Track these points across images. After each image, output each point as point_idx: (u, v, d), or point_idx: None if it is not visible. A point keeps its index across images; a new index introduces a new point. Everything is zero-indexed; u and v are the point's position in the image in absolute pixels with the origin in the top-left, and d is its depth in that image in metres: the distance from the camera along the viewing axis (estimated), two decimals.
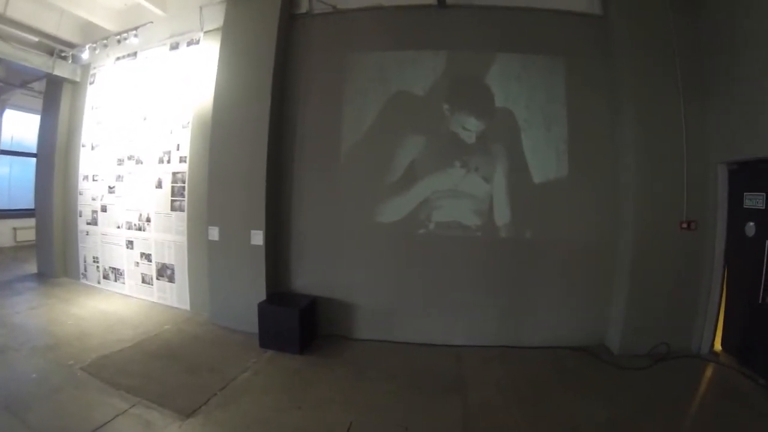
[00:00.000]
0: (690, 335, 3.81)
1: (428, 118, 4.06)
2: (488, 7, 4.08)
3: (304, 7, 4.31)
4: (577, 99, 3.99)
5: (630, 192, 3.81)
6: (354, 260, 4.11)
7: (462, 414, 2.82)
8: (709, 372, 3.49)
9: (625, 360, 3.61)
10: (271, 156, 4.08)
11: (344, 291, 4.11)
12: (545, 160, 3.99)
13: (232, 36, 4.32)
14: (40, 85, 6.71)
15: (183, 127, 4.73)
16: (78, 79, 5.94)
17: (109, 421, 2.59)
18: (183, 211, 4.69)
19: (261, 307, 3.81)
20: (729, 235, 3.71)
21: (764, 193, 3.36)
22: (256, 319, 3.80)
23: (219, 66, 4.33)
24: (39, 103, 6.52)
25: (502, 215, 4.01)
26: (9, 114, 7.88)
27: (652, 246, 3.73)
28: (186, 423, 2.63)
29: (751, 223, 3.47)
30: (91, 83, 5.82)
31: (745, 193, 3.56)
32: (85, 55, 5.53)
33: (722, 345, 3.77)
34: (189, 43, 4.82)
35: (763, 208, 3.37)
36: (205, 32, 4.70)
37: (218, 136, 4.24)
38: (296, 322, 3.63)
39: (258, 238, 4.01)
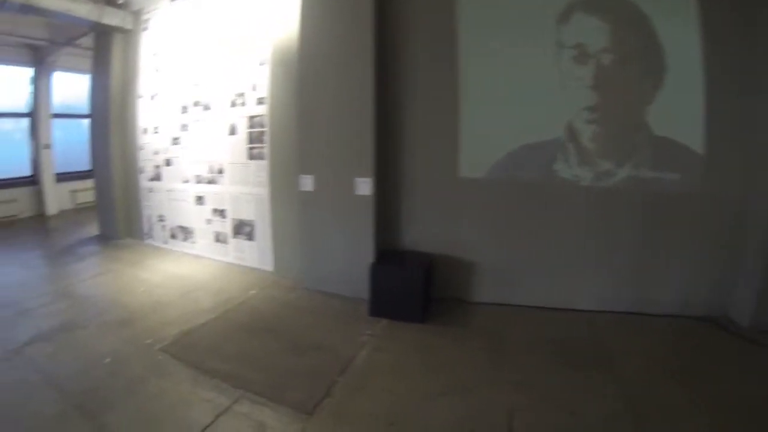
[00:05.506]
0: None
1: (560, 48, 3.03)
2: None
3: None
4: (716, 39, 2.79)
5: None
6: (473, 212, 3.25)
7: (621, 391, 2.15)
8: None
9: (759, 335, 2.76)
10: (378, 92, 3.15)
11: (462, 247, 3.26)
12: (683, 100, 2.89)
13: None
14: (87, 42, 5.78)
15: (260, 65, 3.80)
16: (130, 27, 5.00)
17: (209, 425, 1.87)
18: (263, 159, 3.82)
19: (374, 268, 3.02)
20: None
21: None
22: (358, 283, 3.05)
23: None
24: (87, 62, 5.62)
25: (636, 165, 3.03)
26: (58, 77, 6.97)
27: None
28: (310, 423, 1.90)
29: None
30: (144, 30, 4.88)
31: None
32: None
33: None
34: None
35: None
36: None
37: (308, 73, 3.30)
38: (419, 286, 2.85)
39: (365, 186, 3.14)
